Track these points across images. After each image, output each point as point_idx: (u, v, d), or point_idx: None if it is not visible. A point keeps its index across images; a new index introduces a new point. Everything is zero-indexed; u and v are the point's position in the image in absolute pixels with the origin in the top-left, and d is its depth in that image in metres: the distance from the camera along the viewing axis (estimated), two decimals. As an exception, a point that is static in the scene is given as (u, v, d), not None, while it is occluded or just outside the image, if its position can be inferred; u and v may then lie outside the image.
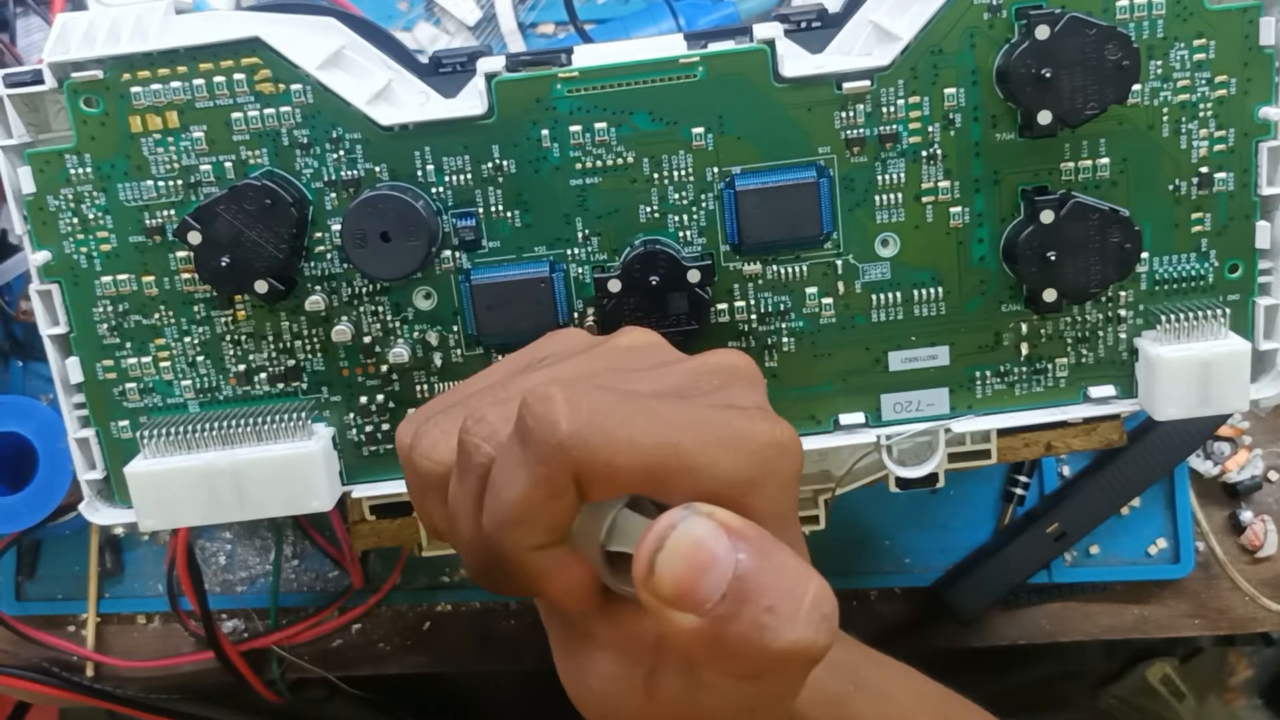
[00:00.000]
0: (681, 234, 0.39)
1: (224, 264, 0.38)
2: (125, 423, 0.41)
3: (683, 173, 0.39)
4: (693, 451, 0.26)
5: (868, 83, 0.38)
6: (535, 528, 0.27)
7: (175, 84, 0.38)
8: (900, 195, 0.39)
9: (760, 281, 0.40)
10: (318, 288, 0.40)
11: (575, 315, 0.40)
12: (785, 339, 0.40)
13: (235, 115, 0.38)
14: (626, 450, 0.26)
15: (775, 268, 0.40)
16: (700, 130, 0.38)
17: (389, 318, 0.40)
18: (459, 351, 0.41)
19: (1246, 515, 0.56)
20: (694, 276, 0.39)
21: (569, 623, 0.30)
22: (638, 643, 0.29)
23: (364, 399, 0.41)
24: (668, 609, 0.24)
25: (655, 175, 0.39)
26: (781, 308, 0.40)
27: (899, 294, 0.40)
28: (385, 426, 0.41)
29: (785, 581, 0.24)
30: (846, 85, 0.38)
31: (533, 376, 0.31)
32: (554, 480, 0.26)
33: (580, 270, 0.40)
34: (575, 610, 0.29)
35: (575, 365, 0.32)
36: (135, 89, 0.38)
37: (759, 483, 0.27)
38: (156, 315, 0.40)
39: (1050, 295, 0.39)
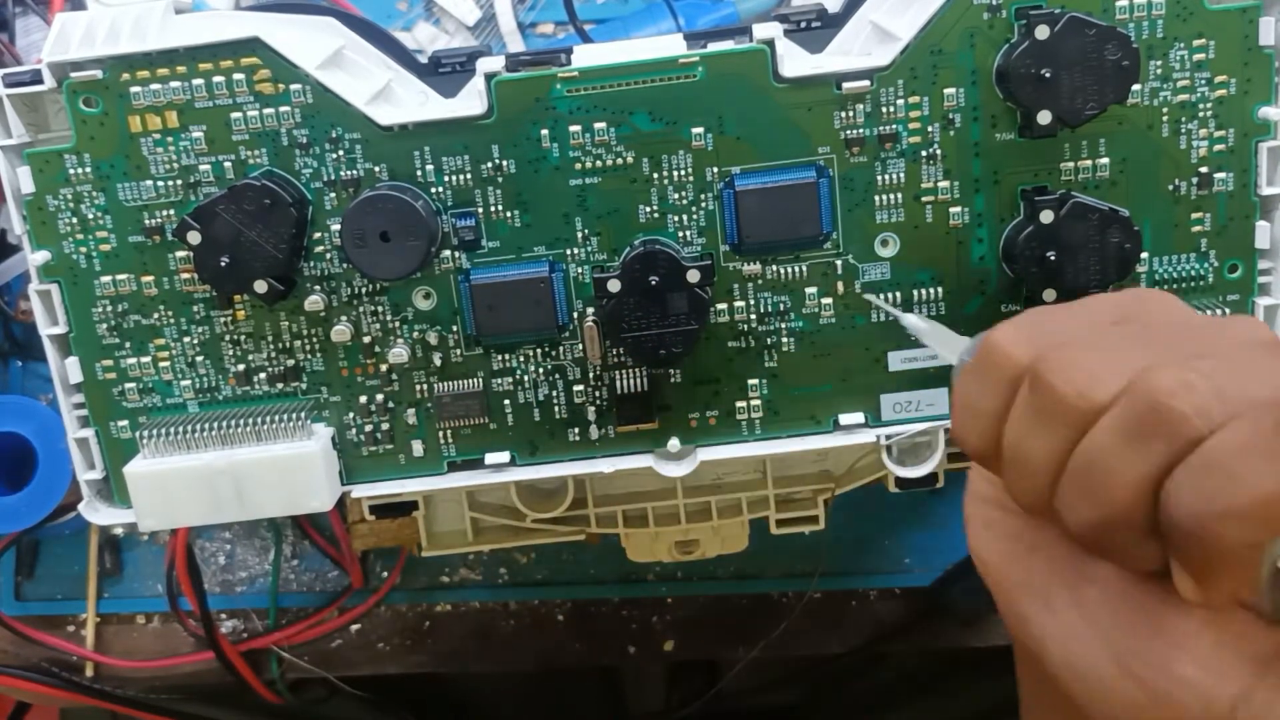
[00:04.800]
0: (681, 234, 0.39)
1: (223, 264, 0.38)
2: (125, 423, 0.41)
3: (682, 173, 0.39)
4: None
5: (867, 83, 0.38)
6: (1275, 526, 0.26)
7: (175, 84, 0.38)
8: (900, 195, 0.39)
9: (760, 281, 0.40)
10: (317, 288, 0.40)
11: (575, 315, 0.40)
12: (785, 339, 0.40)
13: (235, 115, 0.38)
14: None
15: (775, 268, 0.40)
16: (700, 130, 0.38)
17: (388, 318, 0.40)
18: (458, 351, 0.41)
19: (1246, 515, 0.55)
20: (694, 276, 0.39)
21: (1142, 617, 0.28)
22: (1248, 654, 0.27)
23: (363, 399, 0.41)
24: None
25: (655, 175, 0.39)
26: (781, 308, 0.40)
27: (899, 294, 0.40)
28: (385, 426, 0.41)
29: None
30: (846, 85, 0.38)
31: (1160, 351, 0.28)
32: None
33: (580, 270, 0.40)
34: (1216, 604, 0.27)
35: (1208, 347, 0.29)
36: (134, 89, 0.38)
37: None
38: (156, 315, 0.40)
39: (1050, 295, 0.39)
